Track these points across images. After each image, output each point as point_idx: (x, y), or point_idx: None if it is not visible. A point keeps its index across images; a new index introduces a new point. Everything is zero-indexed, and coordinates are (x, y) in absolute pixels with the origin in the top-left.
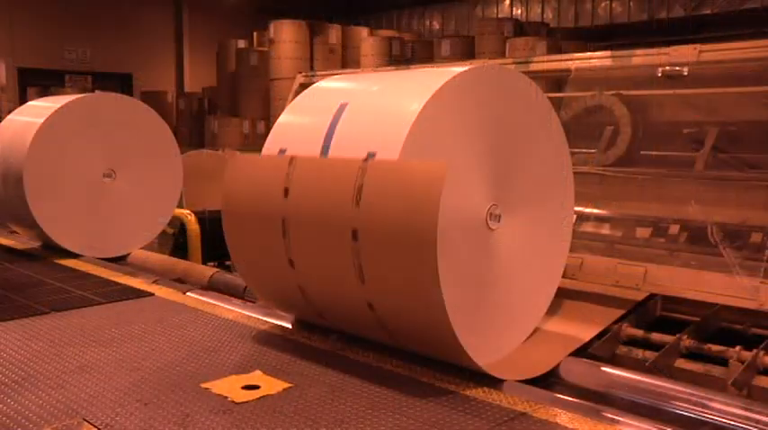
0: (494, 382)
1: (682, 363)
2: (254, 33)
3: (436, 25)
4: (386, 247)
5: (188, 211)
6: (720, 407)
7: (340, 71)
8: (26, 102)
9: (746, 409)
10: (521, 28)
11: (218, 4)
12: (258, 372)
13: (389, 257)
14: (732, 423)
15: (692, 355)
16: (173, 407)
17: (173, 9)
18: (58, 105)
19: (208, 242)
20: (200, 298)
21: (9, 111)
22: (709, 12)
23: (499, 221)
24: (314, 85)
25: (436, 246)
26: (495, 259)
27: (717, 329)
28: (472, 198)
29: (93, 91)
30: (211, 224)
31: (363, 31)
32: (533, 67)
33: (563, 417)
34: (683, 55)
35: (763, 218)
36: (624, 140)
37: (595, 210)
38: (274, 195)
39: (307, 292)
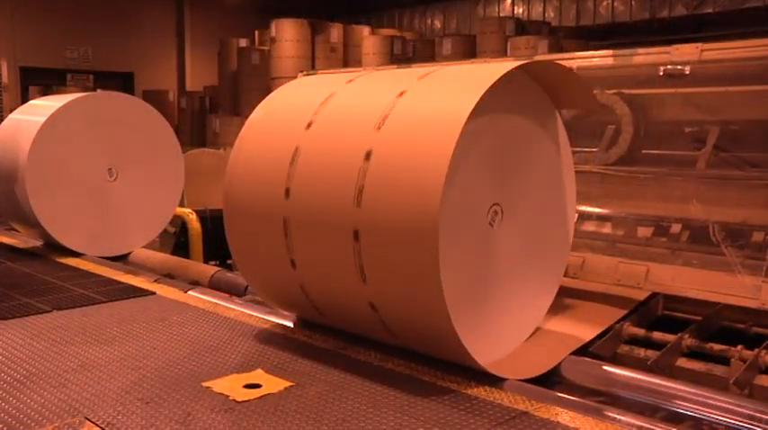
0: (495, 381)
1: (683, 363)
2: (256, 32)
3: (438, 24)
4: (387, 244)
5: (189, 210)
6: (722, 406)
7: (341, 70)
8: (28, 101)
9: (748, 409)
10: (522, 27)
11: (220, 3)
12: (259, 371)
13: (391, 255)
14: (734, 422)
15: (693, 354)
16: (174, 405)
17: (174, 8)
18: (60, 104)
19: (209, 241)
20: (202, 297)
21: (11, 110)
22: (710, 11)
23: (501, 220)
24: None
25: (438, 244)
26: (497, 258)
27: (718, 328)
28: (474, 196)
29: (94, 90)
30: (213, 223)
31: (365, 30)
32: None
33: (564, 416)
34: (684, 54)
35: (764, 217)
36: (626, 139)
37: (597, 209)
38: (276, 194)
39: (308, 291)
